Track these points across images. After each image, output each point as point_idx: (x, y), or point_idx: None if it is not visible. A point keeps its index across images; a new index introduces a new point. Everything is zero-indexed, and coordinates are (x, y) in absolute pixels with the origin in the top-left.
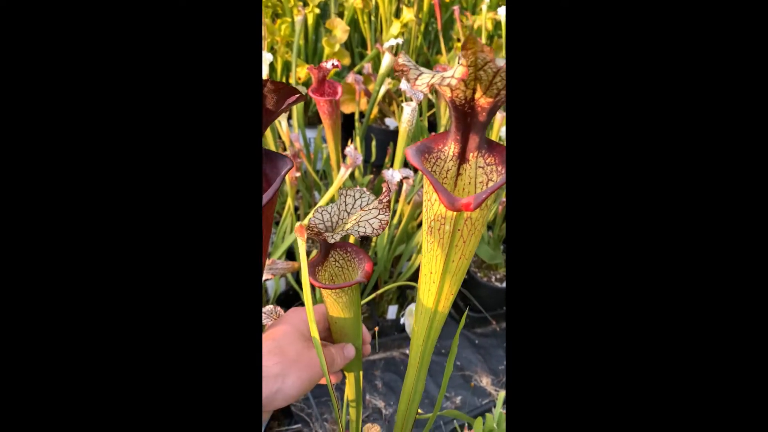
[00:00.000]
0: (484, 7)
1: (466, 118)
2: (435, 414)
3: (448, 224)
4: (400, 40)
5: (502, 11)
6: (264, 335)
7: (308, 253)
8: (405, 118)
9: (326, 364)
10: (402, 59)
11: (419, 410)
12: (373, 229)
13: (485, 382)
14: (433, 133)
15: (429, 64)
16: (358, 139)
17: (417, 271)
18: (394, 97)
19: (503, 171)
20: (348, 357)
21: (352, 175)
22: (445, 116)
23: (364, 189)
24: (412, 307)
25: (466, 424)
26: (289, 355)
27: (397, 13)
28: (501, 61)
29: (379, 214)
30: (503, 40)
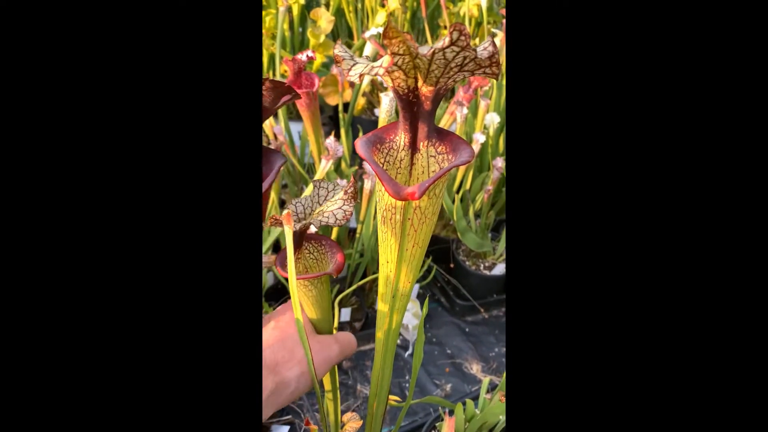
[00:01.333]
0: None
1: (412, 107)
2: (408, 402)
3: (398, 214)
4: (380, 29)
5: None
6: (271, 326)
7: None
8: (383, 108)
9: (338, 354)
10: (338, 49)
11: (396, 398)
12: (336, 219)
13: (475, 369)
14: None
15: None
16: (342, 131)
17: None
18: (379, 88)
19: (453, 159)
20: (354, 347)
21: (338, 167)
22: None
23: (338, 182)
24: None
25: (447, 410)
26: (298, 356)
27: (383, 2)
28: (425, 49)
29: (343, 204)
30: (488, 26)
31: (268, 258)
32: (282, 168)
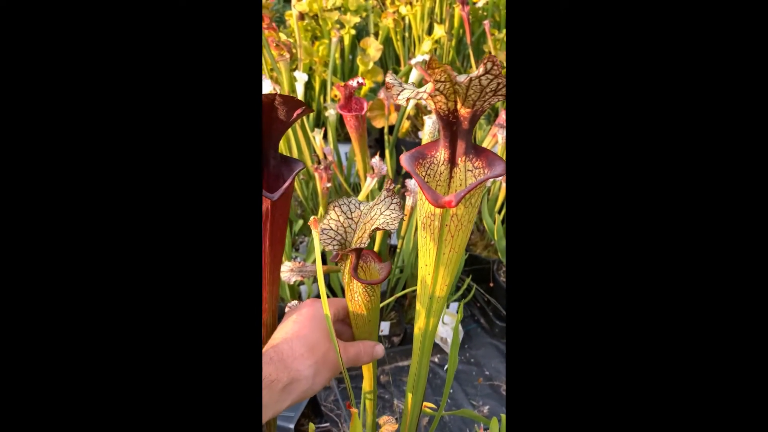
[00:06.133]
0: None
1: (452, 126)
2: (440, 411)
3: (437, 220)
4: (426, 57)
5: None
6: (292, 319)
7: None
8: (427, 131)
9: (353, 358)
10: (389, 77)
11: (431, 405)
12: (394, 217)
13: None
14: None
15: None
16: (387, 152)
17: None
18: (423, 111)
19: (488, 173)
20: (377, 355)
21: (382, 185)
22: None
23: (353, 198)
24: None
25: (481, 425)
26: (317, 355)
27: (430, 30)
28: (461, 77)
29: (391, 204)
30: None
31: (314, 266)
32: (329, 186)
